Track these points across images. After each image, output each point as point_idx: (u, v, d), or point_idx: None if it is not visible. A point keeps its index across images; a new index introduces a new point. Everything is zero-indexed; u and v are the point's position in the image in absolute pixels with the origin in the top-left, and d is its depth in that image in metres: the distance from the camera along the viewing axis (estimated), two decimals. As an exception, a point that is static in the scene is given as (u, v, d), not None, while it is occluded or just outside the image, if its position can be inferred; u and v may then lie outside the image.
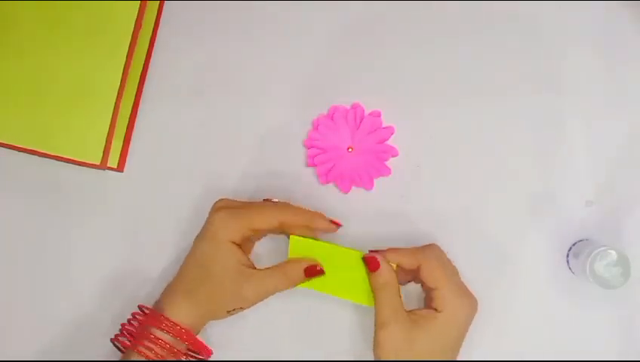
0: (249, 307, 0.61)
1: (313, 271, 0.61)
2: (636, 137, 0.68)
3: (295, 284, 0.62)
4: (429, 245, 0.62)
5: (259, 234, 0.65)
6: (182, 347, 0.60)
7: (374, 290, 0.60)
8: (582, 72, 0.68)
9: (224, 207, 0.62)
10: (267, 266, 0.62)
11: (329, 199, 0.67)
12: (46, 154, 0.64)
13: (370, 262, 0.60)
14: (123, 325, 0.61)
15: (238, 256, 0.61)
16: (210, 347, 0.63)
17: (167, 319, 0.59)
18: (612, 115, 0.68)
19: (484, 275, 0.66)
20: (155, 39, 0.70)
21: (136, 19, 0.65)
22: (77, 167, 0.66)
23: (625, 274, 0.61)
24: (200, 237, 0.62)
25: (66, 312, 0.67)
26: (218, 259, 0.60)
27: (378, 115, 0.68)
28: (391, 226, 0.67)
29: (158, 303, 0.62)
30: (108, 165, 0.66)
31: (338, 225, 0.63)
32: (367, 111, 0.68)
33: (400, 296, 0.60)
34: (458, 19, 0.69)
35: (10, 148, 0.65)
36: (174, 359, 0.59)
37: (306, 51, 0.69)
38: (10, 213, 0.68)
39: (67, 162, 0.65)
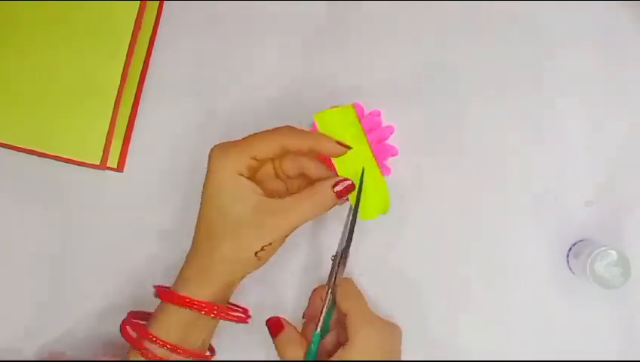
0: (279, 243, 0.56)
1: (344, 191, 0.56)
2: (636, 137, 0.68)
3: (327, 209, 0.56)
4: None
5: (265, 168, 0.59)
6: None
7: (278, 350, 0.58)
8: (582, 72, 0.68)
9: (220, 144, 0.57)
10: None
11: (329, 199, 0.67)
12: (46, 154, 0.64)
13: (272, 326, 0.59)
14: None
15: (251, 186, 0.55)
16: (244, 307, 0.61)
17: (181, 296, 0.55)
18: (612, 115, 0.68)
19: (484, 275, 0.67)
20: (154, 39, 0.70)
21: (136, 19, 0.65)
22: (77, 167, 0.66)
23: (625, 274, 0.61)
24: (203, 185, 0.56)
25: (65, 312, 0.67)
26: (228, 195, 0.55)
27: (378, 114, 0.68)
28: (390, 226, 0.67)
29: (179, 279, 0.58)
30: (108, 165, 0.66)
31: (347, 146, 0.57)
32: (367, 111, 0.68)
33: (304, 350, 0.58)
34: (458, 20, 0.69)
35: (9, 148, 0.65)
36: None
37: (306, 51, 0.69)
38: (10, 213, 0.68)
39: (67, 162, 0.65)
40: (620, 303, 0.66)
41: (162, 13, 0.70)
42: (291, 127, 0.57)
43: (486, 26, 0.69)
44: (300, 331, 0.60)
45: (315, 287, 0.61)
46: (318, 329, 0.58)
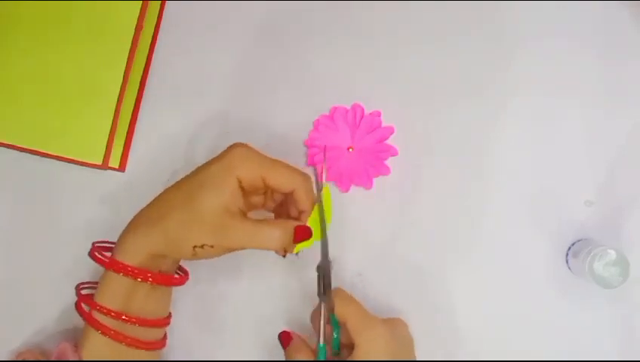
0: (221, 252, 0.57)
1: (300, 235, 0.57)
2: (636, 137, 0.68)
3: (278, 247, 0.57)
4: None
5: (266, 193, 0.61)
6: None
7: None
8: (582, 72, 0.68)
9: (248, 146, 0.58)
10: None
11: (329, 198, 0.68)
12: (48, 154, 0.65)
13: (283, 338, 0.60)
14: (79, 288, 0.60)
15: (239, 199, 0.57)
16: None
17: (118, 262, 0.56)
18: (612, 115, 0.68)
19: (483, 275, 0.67)
20: (156, 39, 0.70)
21: (138, 19, 0.66)
22: (79, 167, 0.66)
23: (624, 273, 0.61)
24: (205, 166, 0.58)
25: (66, 312, 0.67)
26: (218, 191, 0.56)
27: (378, 114, 0.68)
28: (390, 226, 0.67)
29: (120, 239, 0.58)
30: (109, 165, 0.66)
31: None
32: (367, 112, 0.68)
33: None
34: (458, 19, 0.69)
35: (11, 148, 0.65)
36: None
37: (306, 52, 0.69)
38: (11, 213, 0.69)
39: (69, 162, 0.65)
40: (619, 302, 0.65)
41: (164, 13, 0.70)
42: (309, 178, 0.59)
43: (486, 26, 0.69)
44: (307, 342, 0.60)
45: (311, 313, 0.61)
46: (322, 341, 0.58)
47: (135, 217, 0.59)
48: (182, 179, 0.59)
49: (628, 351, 0.66)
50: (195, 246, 0.56)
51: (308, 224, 0.58)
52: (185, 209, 0.56)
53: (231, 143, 0.59)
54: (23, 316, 0.68)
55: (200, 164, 0.59)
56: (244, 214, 0.58)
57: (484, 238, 0.67)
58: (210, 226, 0.55)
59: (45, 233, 0.68)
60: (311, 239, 0.58)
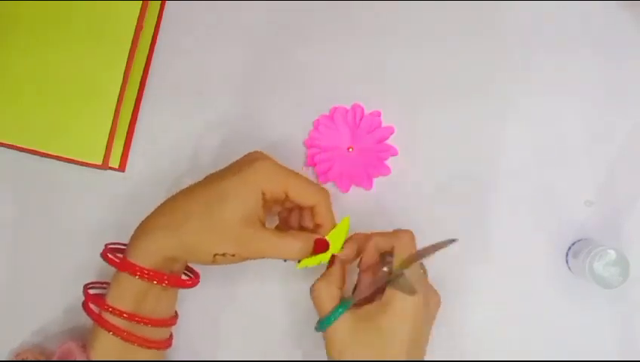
0: (241, 260, 0.57)
1: (319, 248, 0.59)
2: (636, 137, 0.68)
3: (296, 258, 0.59)
4: (405, 230, 0.60)
5: (285, 206, 0.61)
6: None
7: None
8: (582, 72, 0.68)
9: (269, 158, 0.58)
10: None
11: (328, 198, 0.68)
12: (48, 154, 0.65)
13: (319, 245, 0.59)
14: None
15: (259, 209, 0.57)
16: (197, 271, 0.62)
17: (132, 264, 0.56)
18: (612, 114, 0.68)
19: (483, 275, 0.67)
20: (156, 39, 0.70)
21: (138, 19, 0.66)
22: (78, 167, 0.66)
23: (623, 273, 0.61)
24: (225, 176, 0.58)
25: (66, 312, 0.67)
26: (239, 201, 0.56)
27: (378, 114, 0.68)
28: (390, 226, 0.67)
29: (132, 241, 0.58)
30: (109, 165, 0.66)
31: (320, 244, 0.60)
32: (367, 112, 0.68)
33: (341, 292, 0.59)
34: (458, 19, 0.69)
35: (11, 148, 0.65)
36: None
37: (306, 52, 0.70)
38: (12, 213, 0.69)
39: (69, 162, 0.65)
40: (619, 302, 0.66)
41: (164, 13, 0.70)
42: (329, 194, 0.60)
43: (486, 25, 0.69)
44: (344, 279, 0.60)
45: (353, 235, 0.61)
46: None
47: (147, 221, 0.58)
48: (196, 187, 0.58)
49: (628, 351, 0.66)
50: (216, 255, 0.56)
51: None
52: (205, 218, 0.56)
53: (238, 146, 0.60)
54: (24, 316, 0.68)
55: (212, 171, 0.59)
56: (263, 223, 0.59)
57: (484, 238, 0.67)
58: (232, 236, 0.56)
59: (45, 233, 0.68)
60: (320, 256, 0.59)
